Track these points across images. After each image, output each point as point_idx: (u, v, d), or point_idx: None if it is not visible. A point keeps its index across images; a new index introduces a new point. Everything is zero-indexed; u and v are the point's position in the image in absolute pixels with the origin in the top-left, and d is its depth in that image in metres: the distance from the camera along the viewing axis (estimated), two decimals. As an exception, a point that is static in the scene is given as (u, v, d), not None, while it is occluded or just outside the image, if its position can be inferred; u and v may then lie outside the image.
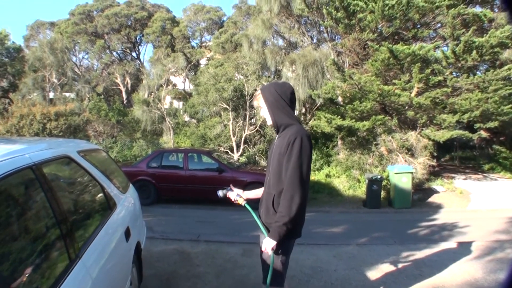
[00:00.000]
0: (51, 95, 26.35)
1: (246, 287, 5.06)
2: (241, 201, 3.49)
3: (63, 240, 2.27)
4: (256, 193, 3.56)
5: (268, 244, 2.92)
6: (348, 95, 15.45)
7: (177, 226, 8.97)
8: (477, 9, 13.48)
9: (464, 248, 6.76)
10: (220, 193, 3.61)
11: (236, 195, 3.53)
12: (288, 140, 2.93)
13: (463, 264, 5.84)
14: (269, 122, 3.21)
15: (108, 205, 3.60)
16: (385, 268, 5.76)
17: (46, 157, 2.60)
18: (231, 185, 3.69)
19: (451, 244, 7.22)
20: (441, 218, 10.21)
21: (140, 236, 4.51)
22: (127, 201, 4.31)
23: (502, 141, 18.77)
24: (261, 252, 3.16)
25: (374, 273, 5.52)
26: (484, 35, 12.46)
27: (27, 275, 1.82)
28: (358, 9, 14.01)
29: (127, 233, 3.65)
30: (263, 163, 16.81)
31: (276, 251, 2.98)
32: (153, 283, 5.09)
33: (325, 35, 18.40)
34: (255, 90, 16.83)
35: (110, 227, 3.27)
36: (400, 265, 5.87)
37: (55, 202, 2.37)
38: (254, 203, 3.40)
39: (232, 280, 5.28)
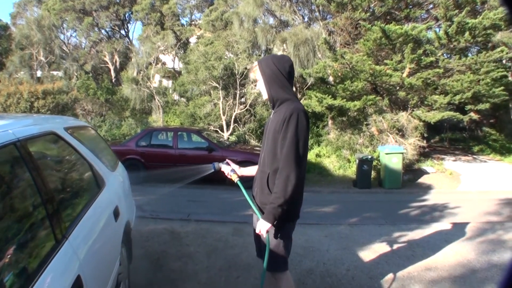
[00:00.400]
0: (39, 73, 25.98)
1: (238, 267, 4.97)
2: (234, 177, 3.34)
3: (48, 220, 2.15)
4: (251, 171, 3.39)
5: (262, 227, 2.78)
6: (339, 74, 15.34)
7: (167, 205, 8.86)
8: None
9: (455, 229, 6.73)
10: (216, 165, 3.45)
11: (231, 170, 3.38)
12: (284, 116, 2.78)
13: (455, 245, 5.81)
14: (265, 96, 3.06)
15: (97, 184, 3.46)
16: (377, 248, 5.71)
17: (31, 133, 2.46)
18: (227, 159, 3.55)
19: (442, 225, 7.19)
20: (431, 199, 10.23)
21: (130, 215, 4.39)
22: (116, 179, 4.18)
23: (492, 123, 18.84)
24: (256, 233, 3.04)
25: (366, 253, 5.47)
26: (477, 16, 12.38)
27: (9, 256, 1.71)
28: (351, -13, 13.85)
29: (116, 213, 3.51)
30: (253, 142, 16.74)
31: (275, 235, 2.88)
32: (143, 263, 4.98)
33: (317, 14, 18.19)
34: (246, 68, 16.66)
35: (99, 206, 3.14)
36: (392, 246, 5.82)
37: (41, 180, 2.24)
38: (247, 182, 3.26)
39: (223, 260, 5.20)
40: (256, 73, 3.08)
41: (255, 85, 17.02)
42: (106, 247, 3.06)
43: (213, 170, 3.49)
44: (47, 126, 2.99)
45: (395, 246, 5.80)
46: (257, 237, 3.09)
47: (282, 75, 2.94)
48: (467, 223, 7.09)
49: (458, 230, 6.66)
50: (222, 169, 3.43)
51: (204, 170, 3.55)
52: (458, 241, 6.01)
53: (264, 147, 3.04)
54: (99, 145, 4.54)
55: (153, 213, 7.75)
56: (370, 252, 5.51)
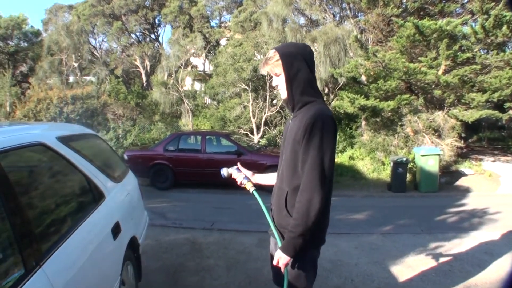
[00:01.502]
0: (71, 79, 26.28)
1: (259, 283, 4.68)
2: (249, 186, 2.77)
3: (17, 245, 1.89)
4: (269, 178, 2.86)
5: (281, 259, 2.32)
6: (372, 73, 14.86)
7: (191, 212, 8.65)
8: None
9: (496, 239, 6.29)
10: (224, 171, 2.92)
11: (244, 177, 2.81)
12: (306, 123, 2.26)
13: (496, 258, 5.38)
14: (284, 95, 2.48)
15: (93, 198, 3.21)
16: (411, 262, 5.33)
17: (7, 146, 2.23)
18: (238, 164, 2.98)
19: (482, 233, 6.74)
20: (470, 203, 9.73)
21: (138, 230, 4.12)
22: (120, 191, 3.92)
23: (533, 121, 17.99)
24: (272, 260, 2.62)
25: (399, 268, 5.10)
26: (515, 9, 11.76)
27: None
28: (382, -18, 13.38)
29: (116, 229, 3.24)
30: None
31: (293, 264, 2.40)
32: (158, 277, 4.76)
33: (348, 11, 17.73)
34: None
35: (92, 224, 2.88)
36: (427, 259, 5.44)
37: (11, 198, 1.99)
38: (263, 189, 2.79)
39: (243, 275, 4.91)
40: (276, 67, 2.44)
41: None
42: (100, 269, 2.79)
43: (224, 176, 2.96)
44: (33, 136, 2.75)
45: (431, 260, 5.40)
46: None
47: (309, 68, 2.42)
48: (509, 232, 6.63)
49: (499, 240, 6.22)
50: (232, 176, 2.90)
51: (216, 177, 3.10)
52: (500, 253, 5.57)
53: (282, 158, 2.54)
54: (103, 154, 4.31)
55: (176, 221, 7.55)
56: (403, 267, 5.13)
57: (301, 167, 2.30)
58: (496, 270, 4.95)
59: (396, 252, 5.72)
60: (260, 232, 6.78)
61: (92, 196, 3.22)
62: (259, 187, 2.79)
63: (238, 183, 2.85)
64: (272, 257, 2.71)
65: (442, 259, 5.41)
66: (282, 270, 2.37)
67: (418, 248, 5.90)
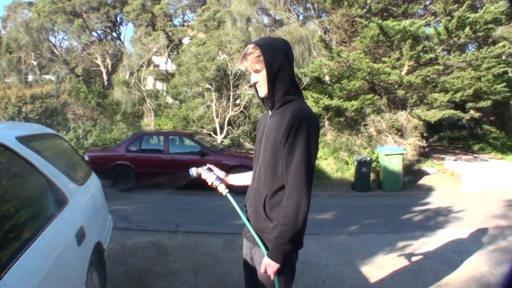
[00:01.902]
0: (30, 77, 25.49)
1: (228, 287, 4.51)
2: (221, 189, 2.55)
3: None
4: (243, 179, 2.71)
5: (269, 268, 2.16)
6: (336, 73, 14.89)
7: (155, 214, 8.39)
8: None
9: (463, 237, 6.30)
10: (193, 171, 2.65)
11: (216, 178, 2.58)
12: (290, 122, 2.13)
13: (465, 256, 5.35)
14: (263, 93, 2.30)
15: (55, 202, 2.98)
16: (381, 261, 5.25)
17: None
18: (207, 164, 2.71)
19: (448, 231, 6.75)
20: (434, 201, 9.80)
21: (102, 235, 3.89)
22: (84, 194, 3.68)
23: (492, 121, 18.45)
24: (246, 266, 2.51)
25: (369, 269, 5.01)
26: (476, 11, 12.01)
27: None
28: (347, -17, 13.41)
29: (80, 235, 3.02)
30: (247, 145, 16.28)
31: (280, 271, 2.21)
32: (123, 282, 4.53)
33: (312, 12, 17.75)
34: (239, 69, 16.18)
35: (54, 229, 2.64)
36: (397, 258, 5.37)
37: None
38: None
39: (212, 279, 4.73)
40: (255, 62, 2.25)
41: (249, 80, 16.61)
42: (64, 278, 2.57)
43: (191, 178, 2.71)
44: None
45: (401, 259, 5.33)
46: (249, 267, 2.53)
47: (290, 64, 2.27)
48: (475, 229, 6.66)
49: (466, 238, 6.23)
50: (202, 176, 2.64)
51: (183, 178, 2.83)
52: (467, 251, 5.56)
53: (259, 159, 2.37)
54: (65, 155, 4.07)
55: (140, 224, 7.30)
56: (374, 267, 5.05)
57: (285, 169, 2.17)
58: (466, 268, 4.91)
59: (365, 252, 5.64)
60: (226, 234, 6.64)
61: (54, 200, 2.99)
62: (230, 188, 2.61)
63: (209, 184, 2.62)
64: (245, 262, 2.57)
65: (411, 259, 5.35)
66: (272, 277, 2.20)
67: (386, 248, 5.84)
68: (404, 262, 5.21)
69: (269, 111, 2.35)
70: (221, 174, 2.68)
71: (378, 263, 5.20)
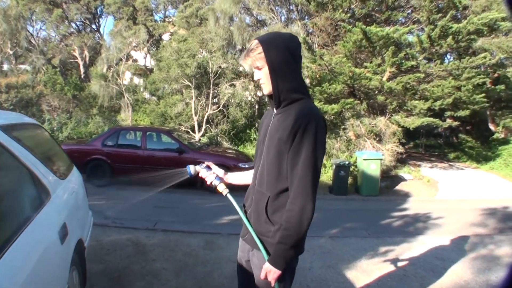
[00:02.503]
0: (5, 66, 24.89)
1: (210, 288, 4.41)
2: (221, 188, 2.46)
3: None
4: (243, 178, 2.62)
5: (271, 274, 2.08)
6: (317, 76, 14.93)
7: (132, 211, 8.16)
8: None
9: (444, 244, 6.32)
10: (191, 169, 2.54)
11: (215, 177, 2.49)
12: (297, 123, 2.04)
13: (448, 262, 5.37)
14: (267, 90, 2.22)
15: (39, 197, 2.81)
16: (365, 266, 5.22)
17: None
18: (206, 162, 2.62)
19: (429, 238, 6.78)
20: (411, 207, 9.85)
21: (84, 232, 3.72)
22: (66, 189, 3.51)
23: (468, 130, 18.74)
24: (241, 269, 2.42)
25: (353, 273, 4.96)
26: (458, 22, 12.18)
27: None
28: (333, -13, 13.43)
29: (63, 232, 2.85)
30: (225, 144, 16.19)
31: (282, 278, 2.13)
32: (101, 281, 4.37)
33: (295, 14, 17.76)
34: (220, 67, 16.09)
35: (37, 226, 2.47)
36: (380, 263, 5.34)
37: None
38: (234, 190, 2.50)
39: (193, 279, 4.60)
40: (258, 60, 2.17)
41: (230, 79, 16.52)
42: (46, 279, 2.40)
43: (188, 176, 2.58)
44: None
45: (384, 264, 5.30)
46: (244, 270, 2.44)
47: (295, 61, 2.17)
48: (455, 237, 6.70)
49: (447, 245, 6.26)
50: (200, 175, 2.55)
51: (177, 176, 2.74)
52: (450, 258, 5.58)
53: (261, 159, 2.28)
54: (47, 147, 3.88)
55: (117, 220, 7.08)
56: (358, 272, 5.00)
57: (290, 171, 2.08)
58: (450, 275, 4.92)
59: (348, 256, 5.60)
60: (206, 233, 6.54)
61: (37, 194, 2.83)
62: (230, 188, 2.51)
63: (208, 183, 2.52)
64: (240, 265, 2.48)
65: (395, 264, 5.33)
66: (273, 284, 2.12)
67: (369, 252, 5.81)
68: (388, 268, 5.19)
69: (274, 109, 2.26)
70: (220, 172, 2.58)
71: (362, 267, 5.16)
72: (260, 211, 2.20)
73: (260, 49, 2.15)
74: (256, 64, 2.19)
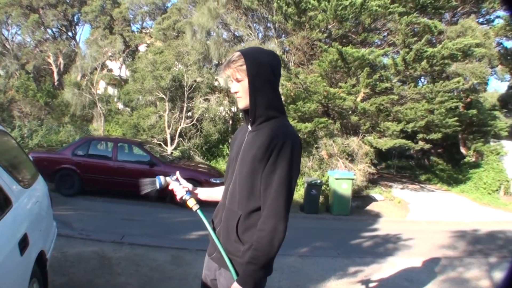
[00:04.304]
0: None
1: (176, 305, 4.27)
2: (192, 204, 2.32)
3: None
4: (212, 194, 2.51)
5: None
6: (292, 94, 14.95)
7: (99, 223, 7.99)
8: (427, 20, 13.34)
9: (414, 266, 6.31)
10: (162, 180, 2.40)
11: (186, 191, 2.36)
12: (273, 142, 1.99)
13: (417, 284, 5.36)
14: (243, 105, 2.15)
15: (-2, 206, 2.68)
16: (334, 286, 5.16)
17: None
18: (177, 173, 2.50)
19: (399, 259, 6.76)
20: (382, 228, 9.86)
21: (47, 243, 3.57)
22: (30, 198, 3.36)
23: (440, 153, 19.01)
24: (206, 286, 2.30)
25: (322, 293, 4.88)
26: (437, 46, 12.38)
27: None
28: (310, 6, 13.51)
29: (23, 243, 2.72)
30: (197, 158, 16.02)
31: None
32: (63, 295, 4.20)
33: (272, 31, 17.83)
34: (195, 81, 16.00)
35: None
36: (349, 284, 5.29)
37: None
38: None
39: (159, 295, 4.46)
40: (237, 71, 2.10)
41: (204, 93, 16.43)
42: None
43: (157, 188, 2.42)
44: None
45: (354, 285, 5.25)
46: None
47: (275, 79, 2.13)
48: (425, 259, 6.70)
49: (417, 266, 6.25)
50: (170, 187, 2.42)
51: (145, 186, 2.57)
52: (420, 280, 5.56)
53: (233, 176, 2.19)
54: (11, 154, 3.72)
55: (83, 232, 6.89)
56: (327, 292, 4.93)
57: (263, 190, 2.00)
58: (419, 298, 4.88)
59: (317, 276, 5.52)
60: (173, 248, 6.41)
61: None
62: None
63: (178, 198, 2.40)
64: (204, 284, 2.38)
65: (364, 285, 5.28)
66: None
67: (338, 272, 5.74)
68: (357, 289, 5.13)
69: (249, 126, 2.18)
70: (190, 186, 2.45)
71: (331, 288, 5.09)
72: (230, 230, 2.12)
73: (242, 61, 2.08)
74: (236, 76, 2.11)
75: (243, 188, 2.08)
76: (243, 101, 2.13)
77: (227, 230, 2.14)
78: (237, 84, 2.13)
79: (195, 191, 2.48)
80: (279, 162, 1.97)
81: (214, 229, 2.25)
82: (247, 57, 2.08)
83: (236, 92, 2.16)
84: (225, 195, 2.24)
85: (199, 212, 2.31)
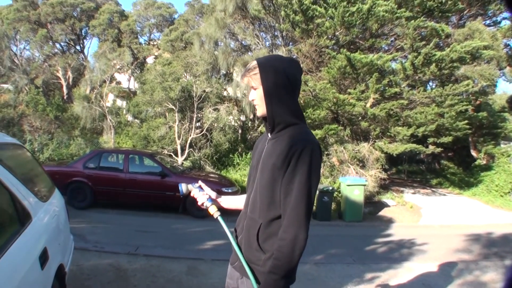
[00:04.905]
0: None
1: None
2: (213, 211, 2.37)
3: None
4: (235, 202, 2.53)
5: None
6: (301, 102, 14.96)
7: (113, 235, 8.02)
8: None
9: (430, 270, 6.28)
10: (183, 187, 2.47)
11: (208, 198, 2.40)
12: (292, 149, 1.98)
13: (434, 290, 5.31)
14: (260, 112, 2.18)
15: (19, 220, 2.71)
16: (351, 293, 5.14)
17: None
18: (200, 181, 2.55)
19: (415, 264, 6.73)
20: (395, 233, 9.81)
21: (65, 257, 3.58)
22: (48, 211, 3.39)
23: (450, 156, 18.92)
24: None
25: (340, 300, 4.88)
26: (445, 49, 12.36)
27: None
28: (317, 14, 13.56)
29: (44, 257, 2.74)
30: (208, 168, 16.05)
31: None
32: (82, 308, 4.22)
33: (280, 40, 17.90)
34: (204, 91, 16.07)
35: (17, 250, 2.36)
36: (367, 290, 5.26)
37: None
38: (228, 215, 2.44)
39: (177, 306, 4.47)
40: (253, 80, 2.15)
41: (214, 103, 16.49)
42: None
43: (180, 195, 2.49)
44: None
45: (371, 291, 5.23)
46: None
47: (292, 86, 2.12)
48: (440, 263, 6.67)
49: (433, 271, 6.22)
50: (192, 194, 2.45)
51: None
52: (438, 284, 5.53)
53: (254, 184, 2.20)
54: (29, 168, 3.75)
55: (97, 244, 6.93)
56: (345, 299, 4.93)
57: (283, 198, 2.00)
58: (437, 303, 4.86)
59: (334, 283, 5.53)
60: (188, 259, 6.42)
61: (17, 217, 2.72)
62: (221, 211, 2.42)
63: (199, 204, 2.43)
64: None
65: (381, 291, 5.27)
66: None
67: (355, 279, 5.74)
68: (375, 295, 5.12)
69: (269, 134, 2.21)
70: (213, 194, 2.49)
71: (348, 294, 5.08)
72: (252, 238, 2.13)
73: (256, 70, 2.12)
74: (252, 84, 2.16)
75: (264, 196, 2.09)
76: (260, 109, 2.17)
77: (248, 239, 2.15)
78: (254, 92, 2.18)
79: (218, 199, 2.50)
80: (298, 169, 1.96)
81: (236, 238, 2.27)
82: (261, 66, 2.11)
83: (253, 100, 2.20)
84: (247, 203, 2.26)
85: (220, 219, 2.33)
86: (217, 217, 2.35)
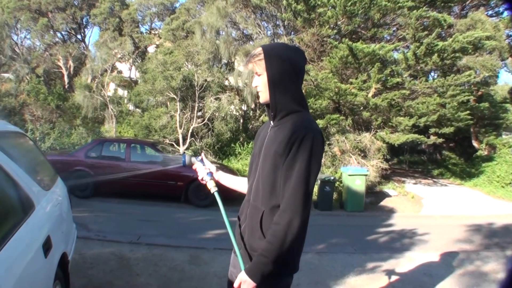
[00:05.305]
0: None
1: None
2: (211, 185, 2.41)
3: None
4: (233, 183, 2.57)
5: (244, 283, 1.99)
6: (303, 91, 14.94)
7: (115, 224, 8.04)
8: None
9: (432, 260, 6.31)
10: (187, 158, 2.55)
11: (207, 173, 2.44)
12: (293, 136, 1.98)
13: (436, 278, 5.36)
14: (263, 99, 2.18)
15: (22, 207, 2.72)
16: (353, 282, 5.17)
17: None
18: (203, 154, 2.66)
19: (416, 254, 6.76)
20: (397, 223, 9.84)
21: (68, 245, 3.59)
22: (50, 200, 3.39)
23: (452, 147, 18.92)
24: (232, 284, 2.23)
25: (342, 289, 4.91)
26: (442, 40, 12.33)
27: None
28: (319, 3, 13.52)
29: (47, 245, 2.76)
30: (210, 157, 16.07)
31: None
32: (84, 296, 4.24)
33: (281, 29, 17.85)
34: (205, 80, 16.04)
35: (20, 239, 2.37)
36: (369, 279, 5.30)
37: None
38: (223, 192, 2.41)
39: (180, 295, 4.50)
40: (258, 66, 2.14)
41: (215, 93, 16.47)
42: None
43: (182, 165, 2.62)
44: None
45: (372, 281, 5.26)
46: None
47: (296, 74, 2.12)
48: (442, 253, 6.69)
49: (434, 261, 6.25)
50: (194, 167, 2.53)
51: (171, 162, 2.57)
52: (438, 274, 5.55)
53: (256, 172, 2.20)
54: (31, 156, 3.75)
55: (100, 233, 6.95)
56: (347, 288, 4.95)
57: (283, 184, 2.00)
58: (439, 292, 4.89)
59: (336, 272, 5.55)
60: (191, 247, 6.44)
61: (20, 205, 2.73)
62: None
63: (199, 178, 2.48)
64: (230, 282, 2.33)
65: (383, 281, 5.29)
66: None
67: (356, 268, 5.77)
68: (376, 284, 5.15)
69: (271, 121, 2.20)
70: (212, 168, 2.54)
71: (350, 284, 5.12)
72: (255, 227, 2.12)
73: (261, 56, 2.11)
74: (256, 70, 2.16)
75: (266, 184, 2.08)
76: (264, 95, 2.16)
77: (251, 227, 2.15)
78: (258, 78, 2.18)
79: (217, 174, 2.52)
80: (299, 156, 1.96)
81: (239, 226, 2.28)
82: (267, 52, 2.11)
83: (256, 86, 2.19)
84: (250, 191, 2.26)
85: (216, 194, 2.37)
86: (213, 192, 2.39)
